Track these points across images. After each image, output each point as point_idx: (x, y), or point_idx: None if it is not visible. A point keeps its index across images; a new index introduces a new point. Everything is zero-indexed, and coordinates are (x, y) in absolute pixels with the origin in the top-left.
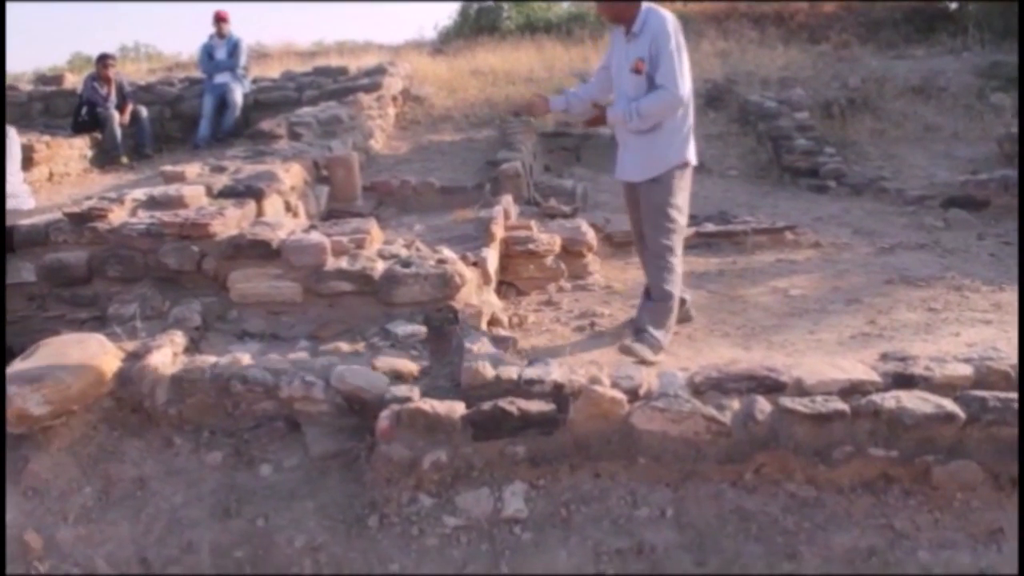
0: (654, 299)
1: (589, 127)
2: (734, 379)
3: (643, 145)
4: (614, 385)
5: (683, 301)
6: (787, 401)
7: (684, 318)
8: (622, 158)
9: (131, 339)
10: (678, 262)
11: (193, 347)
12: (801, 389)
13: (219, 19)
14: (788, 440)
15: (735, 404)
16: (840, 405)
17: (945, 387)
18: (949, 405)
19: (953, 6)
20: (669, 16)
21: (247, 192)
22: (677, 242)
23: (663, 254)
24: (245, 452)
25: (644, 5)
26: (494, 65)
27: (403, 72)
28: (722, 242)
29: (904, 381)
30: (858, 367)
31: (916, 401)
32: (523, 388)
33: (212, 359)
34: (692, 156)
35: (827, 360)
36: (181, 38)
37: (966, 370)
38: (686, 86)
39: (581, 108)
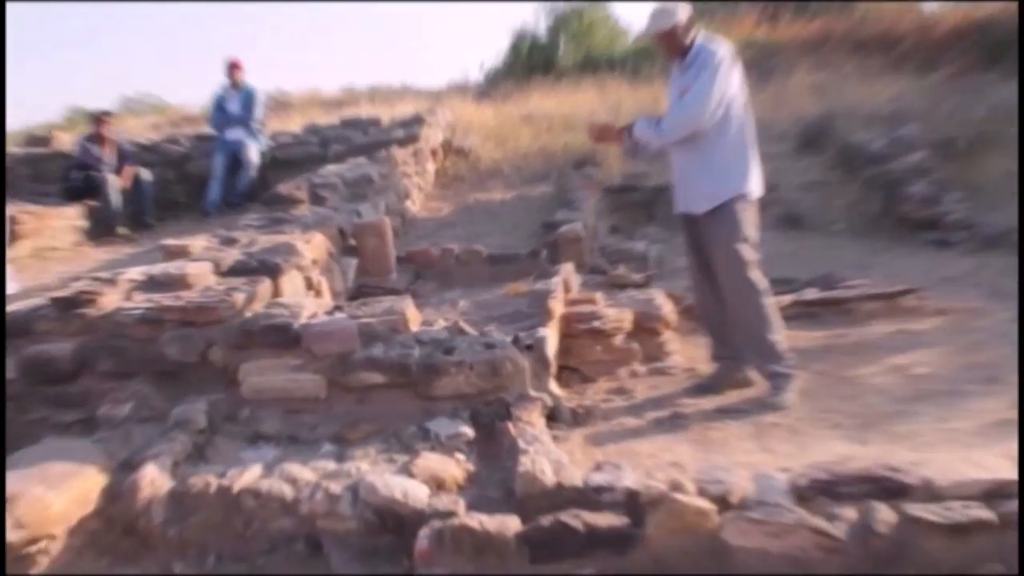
0: (757, 353)
1: (598, 142)
2: (847, 482)
3: (699, 169)
4: (700, 492)
5: (737, 360)
6: (915, 508)
7: (740, 382)
8: (679, 187)
9: (124, 446)
10: (769, 301)
11: (197, 454)
12: (932, 493)
13: (232, 67)
14: (918, 558)
15: (849, 513)
16: (983, 513)
17: None
18: None
19: None
20: (722, 47)
21: (261, 268)
22: (758, 278)
23: (748, 295)
24: None
25: (700, 36)
26: (549, 110)
27: (444, 121)
28: (827, 311)
29: None
30: (1003, 464)
31: None
32: (590, 497)
33: (219, 469)
34: (756, 188)
35: (963, 455)
36: (191, 88)
37: None
38: (710, 109)
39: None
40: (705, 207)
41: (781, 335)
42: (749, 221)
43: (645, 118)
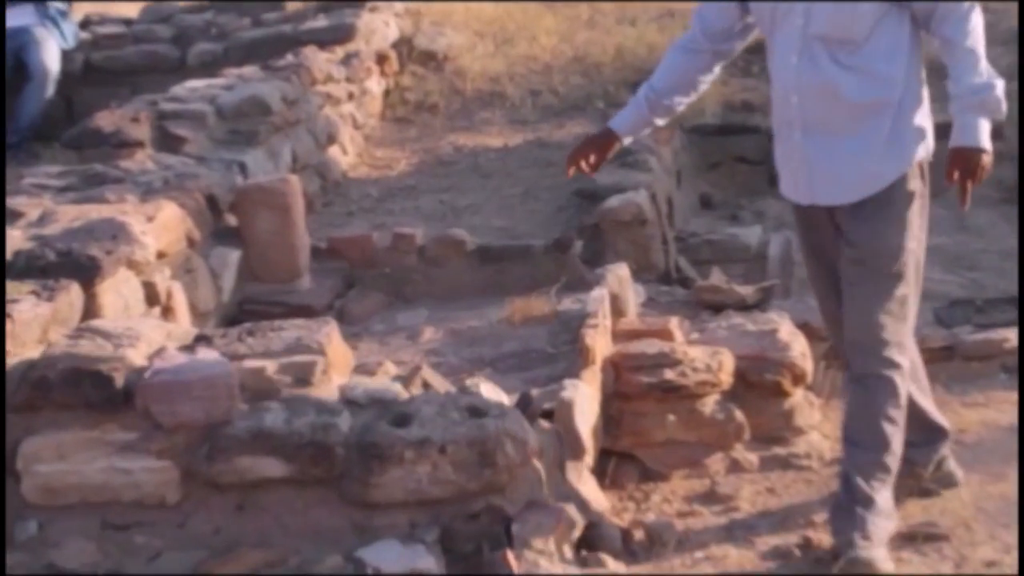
0: (866, 445)
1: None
2: None
3: (860, 137)
4: None
5: (939, 436)
6: None
7: (944, 481)
8: (808, 165)
9: None
10: (912, 344)
11: None
12: None
13: None
14: None
15: None
16: None
17: None
18: None
19: None
20: None
21: (64, 266)
22: (912, 309)
23: (888, 327)
24: None
25: None
26: None
27: (401, 6)
28: None
29: None
30: None
31: None
32: None
33: None
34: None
35: None
36: None
37: None
38: None
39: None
40: (870, 190)
41: (902, 421)
42: (924, 209)
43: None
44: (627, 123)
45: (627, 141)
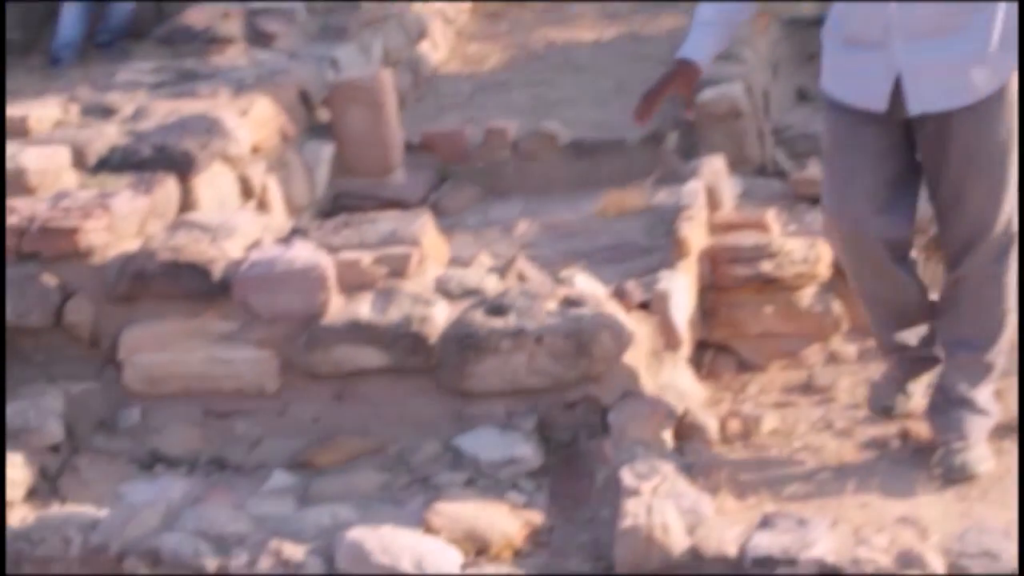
0: (973, 345)
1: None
2: None
3: (972, 37)
4: (953, 571)
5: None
6: None
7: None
8: (913, 73)
9: None
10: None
11: (48, 486)
12: None
13: None
14: None
15: None
16: None
17: None
18: None
19: None
20: None
21: (159, 160)
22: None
23: (1001, 247)
24: None
25: None
26: None
27: None
28: None
29: None
30: None
31: None
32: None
33: (85, 513)
34: None
35: None
36: None
37: None
38: None
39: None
40: (978, 94)
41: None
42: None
43: None
44: (703, 48)
45: (705, 68)
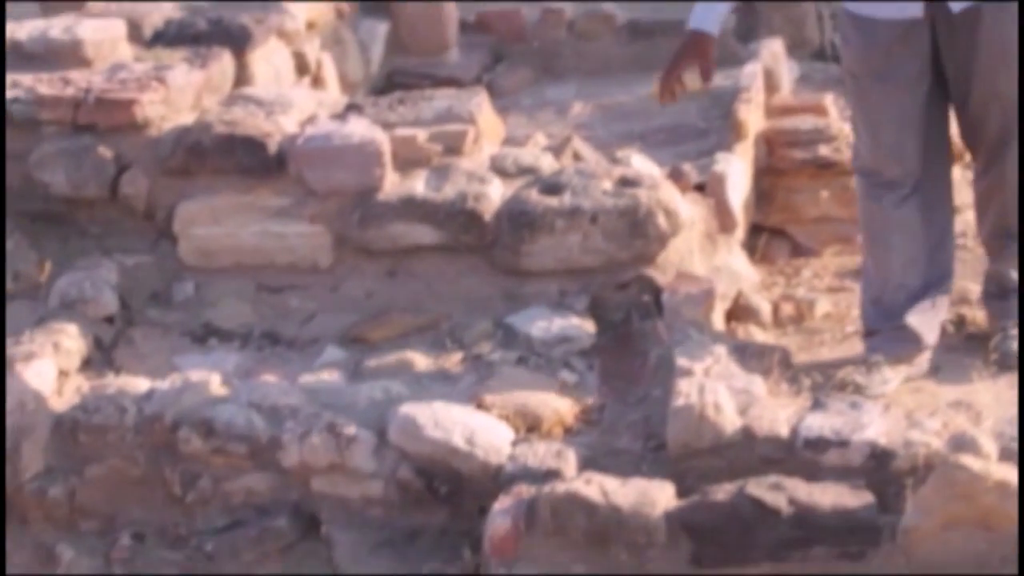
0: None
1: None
2: None
3: None
4: (1005, 456)
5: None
6: None
7: None
8: None
9: None
10: None
11: (101, 359)
12: None
13: None
14: None
15: None
16: None
17: None
18: None
19: None
20: None
21: (215, 35)
22: None
23: None
24: None
25: None
26: None
27: None
28: None
29: None
30: None
31: None
32: (803, 457)
33: (140, 385)
34: None
35: None
36: None
37: None
38: None
39: None
40: None
41: None
42: None
43: None
44: (712, 16)
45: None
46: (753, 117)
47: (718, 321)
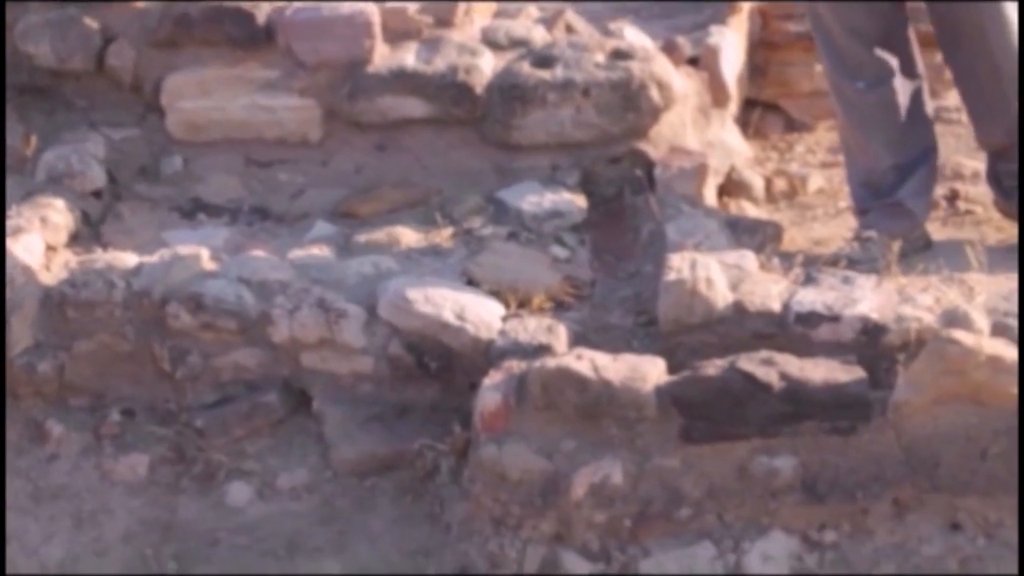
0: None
1: None
2: None
3: None
4: (998, 331)
5: None
6: None
7: None
8: None
9: None
10: None
11: (90, 233)
12: None
13: None
14: None
15: None
16: None
17: None
18: None
19: None
20: None
21: None
22: None
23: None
24: (197, 456)
25: None
26: None
27: None
28: None
29: None
30: None
31: None
32: (794, 332)
33: (127, 260)
34: None
35: None
36: None
37: None
38: None
39: None
40: None
41: None
42: None
43: None
44: None
45: None
46: None
47: (710, 196)
